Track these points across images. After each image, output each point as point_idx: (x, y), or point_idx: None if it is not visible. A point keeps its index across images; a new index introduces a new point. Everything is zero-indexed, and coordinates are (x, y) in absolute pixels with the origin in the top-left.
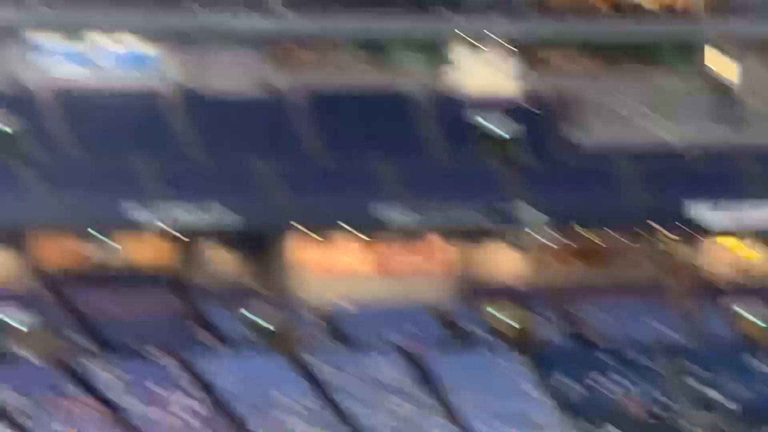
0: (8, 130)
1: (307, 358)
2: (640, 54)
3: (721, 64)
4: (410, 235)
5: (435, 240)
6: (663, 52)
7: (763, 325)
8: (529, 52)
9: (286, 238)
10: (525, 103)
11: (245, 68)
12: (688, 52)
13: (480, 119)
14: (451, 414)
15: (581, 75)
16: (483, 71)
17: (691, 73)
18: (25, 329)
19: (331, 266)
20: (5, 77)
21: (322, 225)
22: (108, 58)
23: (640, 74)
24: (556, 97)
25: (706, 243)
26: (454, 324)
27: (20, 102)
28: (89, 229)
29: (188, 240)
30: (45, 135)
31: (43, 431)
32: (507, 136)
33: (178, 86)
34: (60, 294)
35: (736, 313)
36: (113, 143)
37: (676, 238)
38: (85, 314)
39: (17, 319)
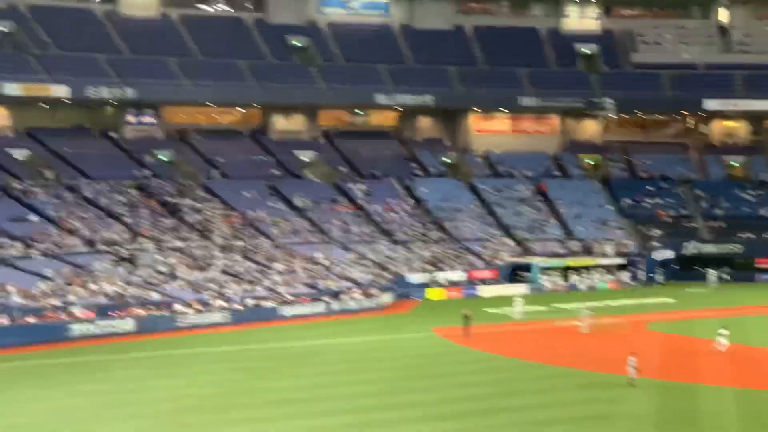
0: (302, 45)
1: (476, 182)
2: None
3: (723, 14)
4: (537, 112)
5: (552, 116)
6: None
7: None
8: (607, 6)
9: (466, 114)
10: (605, 36)
11: (442, 12)
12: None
13: (579, 45)
14: (559, 218)
15: (637, 18)
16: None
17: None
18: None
19: (490, 129)
20: (303, 15)
21: (486, 106)
22: (358, 3)
23: (674, 19)
24: (623, 32)
25: (712, 121)
26: (561, 164)
27: (310, 30)
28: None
29: (408, 113)
30: (325, 50)
31: (325, 225)
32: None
33: (401, 22)
34: (332, 142)
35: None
36: (366, 57)
37: (695, 118)
38: (347, 154)
39: (307, 156)
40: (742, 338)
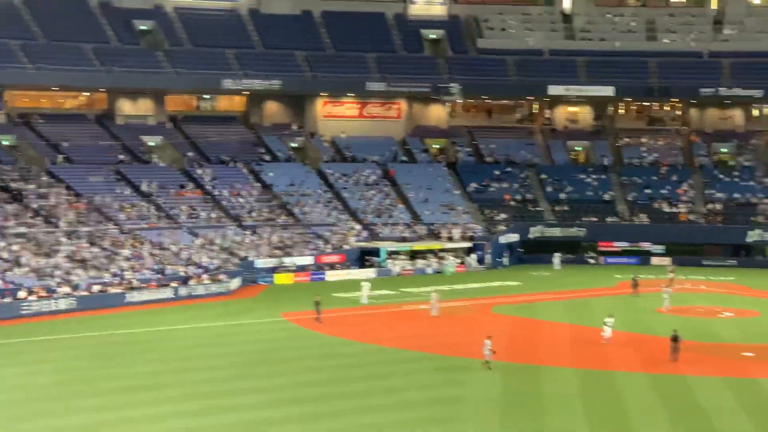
0: (149, 29)
1: (323, 167)
2: None
3: (566, 1)
4: (385, 97)
5: (399, 101)
6: None
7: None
8: None
9: (313, 99)
10: (451, 21)
11: None
12: None
13: (426, 31)
14: (406, 203)
15: (483, 4)
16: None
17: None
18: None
19: (338, 114)
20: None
21: (333, 91)
22: None
23: (519, 5)
24: (469, 17)
25: (556, 106)
26: (408, 149)
27: (156, 14)
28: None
29: (256, 98)
30: (172, 34)
31: (172, 210)
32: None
33: (248, 7)
34: (180, 126)
35: (569, 146)
36: (213, 41)
37: (540, 103)
38: (194, 139)
39: (154, 141)
40: (586, 320)
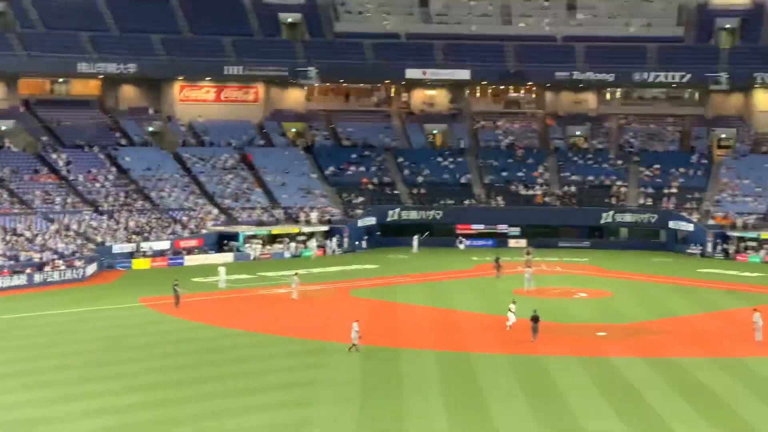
0: (1, 11)
1: (180, 151)
2: None
3: None
4: (242, 81)
5: (256, 84)
6: None
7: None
8: None
9: (170, 83)
10: (309, 5)
11: None
12: None
13: (283, 15)
14: (264, 187)
15: None
16: None
17: None
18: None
19: (195, 98)
20: None
21: (190, 75)
22: None
23: None
24: (326, 1)
25: (413, 90)
26: (266, 133)
27: None
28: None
29: (112, 82)
30: (24, 16)
31: (26, 195)
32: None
33: None
34: (33, 111)
35: (426, 129)
36: (67, 24)
37: (397, 86)
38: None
39: (6, 125)
40: (445, 303)
